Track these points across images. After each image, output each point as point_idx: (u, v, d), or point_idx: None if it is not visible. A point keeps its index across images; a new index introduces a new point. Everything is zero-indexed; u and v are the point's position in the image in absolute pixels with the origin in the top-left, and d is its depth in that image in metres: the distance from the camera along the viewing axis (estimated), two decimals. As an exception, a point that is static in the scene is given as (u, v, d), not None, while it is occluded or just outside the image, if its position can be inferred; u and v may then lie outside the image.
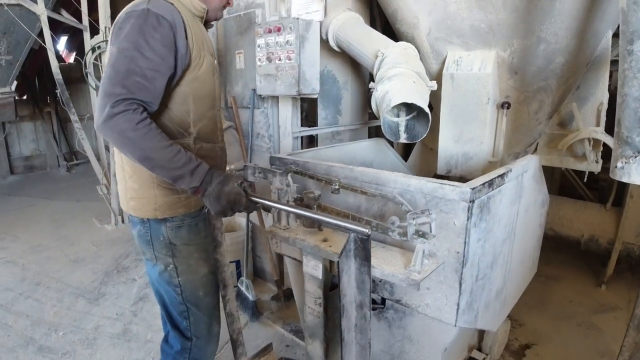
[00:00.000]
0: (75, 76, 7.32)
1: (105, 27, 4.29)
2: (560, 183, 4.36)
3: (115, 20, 1.55)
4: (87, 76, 4.38)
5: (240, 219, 3.52)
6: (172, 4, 1.54)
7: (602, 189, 4.12)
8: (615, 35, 2.29)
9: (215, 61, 1.81)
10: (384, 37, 2.68)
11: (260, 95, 3.00)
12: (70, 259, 4.15)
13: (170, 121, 1.61)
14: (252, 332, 2.95)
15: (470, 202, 1.41)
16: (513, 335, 2.90)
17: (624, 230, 3.43)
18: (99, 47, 4.33)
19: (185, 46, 1.55)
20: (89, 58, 4.29)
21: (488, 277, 1.69)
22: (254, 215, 3.30)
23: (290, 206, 1.51)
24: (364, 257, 1.14)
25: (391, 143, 3.06)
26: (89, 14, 4.52)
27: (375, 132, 4.17)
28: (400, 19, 2.67)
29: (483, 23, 2.32)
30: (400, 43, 2.57)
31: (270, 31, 2.58)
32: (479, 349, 2.51)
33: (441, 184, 1.47)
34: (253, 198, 1.53)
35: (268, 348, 2.06)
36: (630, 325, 1.98)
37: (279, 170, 1.72)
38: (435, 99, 2.62)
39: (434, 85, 2.38)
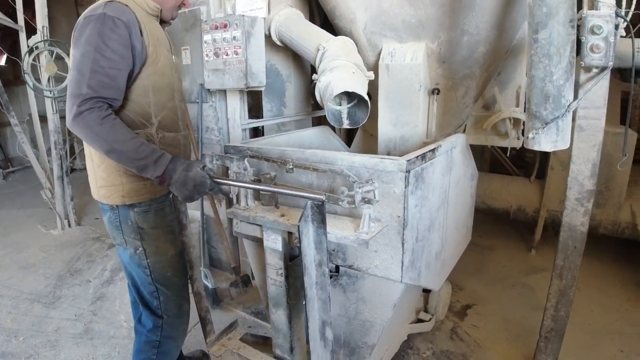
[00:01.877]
0: (7, 78, 6.98)
1: (43, 27, 4.19)
2: (491, 161, 4.78)
3: (75, 25, 1.66)
4: (25, 77, 4.26)
5: (194, 211, 3.61)
6: (126, 5, 1.68)
7: (527, 164, 4.57)
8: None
9: (173, 57, 1.95)
10: (324, 31, 2.87)
11: (208, 90, 3.11)
12: (20, 266, 4.04)
13: (133, 113, 1.75)
14: (214, 318, 2.97)
15: (407, 172, 1.64)
16: (455, 298, 3.22)
17: (547, 199, 3.84)
18: (37, 48, 4.22)
19: (141, 43, 1.70)
20: (28, 59, 4.18)
21: (427, 239, 1.93)
22: (207, 208, 3.40)
23: (252, 184, 1.67)
24: (320, 221, 1.33)
25: (335, 130, 3.27)
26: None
27: (318, 122, 4.36)
28: (338, 14, 2.87)
29: (413, 18, 2.56)
30: (340, 37, 2.77)
31: (216, 28, 2.70)
32: (426, 311, 2.79)
33: (381, 158, 1.68)
34: (217, 180, 1.68)
35: (233, 325, 2.21)
36: (554, 275, 2.32)
37: (236, 156, 1.87)
38: (373, 87, 2.84)
39: (371, 75, 2.61)
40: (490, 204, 4.10)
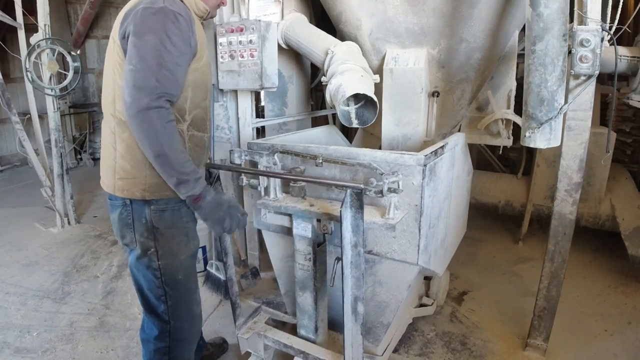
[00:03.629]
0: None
1: (45, 25, 4.26)
2: (478, 159, 5.05)
3: (127, 13, 1.62)
4: (27, 75, 4.32)
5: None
6: (182, 1, 1.72)
7: (513, 162, 4.85)
8: (522, 30, 2.85)
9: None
10: (330, 36, 3.05)
11: (220, 89, 3.25)
12: (23, 264, 4.07)
13: (171, 105, 1.69)
14: (227, 308, 3.20)
15: (424, 166, 1.84)
16: (452, 286, 3.46)
17: (533, 195, 4.12)
18: (39, 46, 4.30)
19: (194, 40, 1.72)
20: (31, 57, 4.25)
21: (436, 226, 2.14)
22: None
23: (294, 175, 1.84)
24: (359, 207, 1.52)
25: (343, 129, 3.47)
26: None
27: (315, 122, 4.55)
28: (344, 20, 3.05)
29: (416, 26, 2.77)
30: (346, 42, 2.96)
31: (232, 31, 2.85)
32: (427, 297, 3.01)
33: (401, 154, 1.88)
34: (252, 171, 1.84)
35: (258, 310, 2.37)
36: (546, 259, 2.56)
37: (265, 152, 2.04)
38: (377, 90, 3.04)
39: (377, 78, 2.81)
40: (480, 199, 4.36)
